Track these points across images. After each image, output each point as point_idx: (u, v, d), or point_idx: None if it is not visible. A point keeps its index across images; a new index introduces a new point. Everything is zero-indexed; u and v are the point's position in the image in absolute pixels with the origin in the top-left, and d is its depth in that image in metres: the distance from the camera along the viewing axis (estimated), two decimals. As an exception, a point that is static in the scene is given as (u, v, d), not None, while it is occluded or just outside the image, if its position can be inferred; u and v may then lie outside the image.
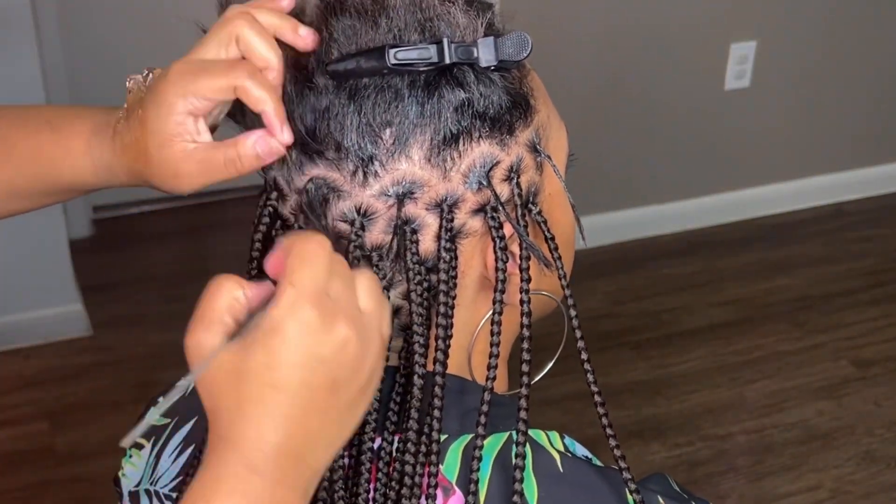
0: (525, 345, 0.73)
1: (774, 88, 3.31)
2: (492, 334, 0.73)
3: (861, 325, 2.95)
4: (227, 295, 0.62)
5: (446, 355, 0.71)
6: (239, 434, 0.61)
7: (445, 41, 0.69)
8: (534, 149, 0.74)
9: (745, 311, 3.01)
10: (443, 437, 0.72)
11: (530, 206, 0.74)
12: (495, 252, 0.72)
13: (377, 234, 0.71)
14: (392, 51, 0.68)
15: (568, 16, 2.98)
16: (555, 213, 0.77)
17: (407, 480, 0.71)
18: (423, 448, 0.71)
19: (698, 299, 3.06)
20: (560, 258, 0.75)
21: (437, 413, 0.71)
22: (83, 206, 3.20)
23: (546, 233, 0.75)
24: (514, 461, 0.72)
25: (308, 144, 0.70)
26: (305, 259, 0.62)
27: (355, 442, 0.72)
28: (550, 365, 0.79)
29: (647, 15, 3.07)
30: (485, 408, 0.71)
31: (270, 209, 0.75)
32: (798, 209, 3.51)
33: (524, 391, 0.72)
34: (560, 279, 0.75)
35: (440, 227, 0.71)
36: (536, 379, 0.74)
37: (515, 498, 0.70)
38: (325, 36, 0.70)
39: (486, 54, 0.70)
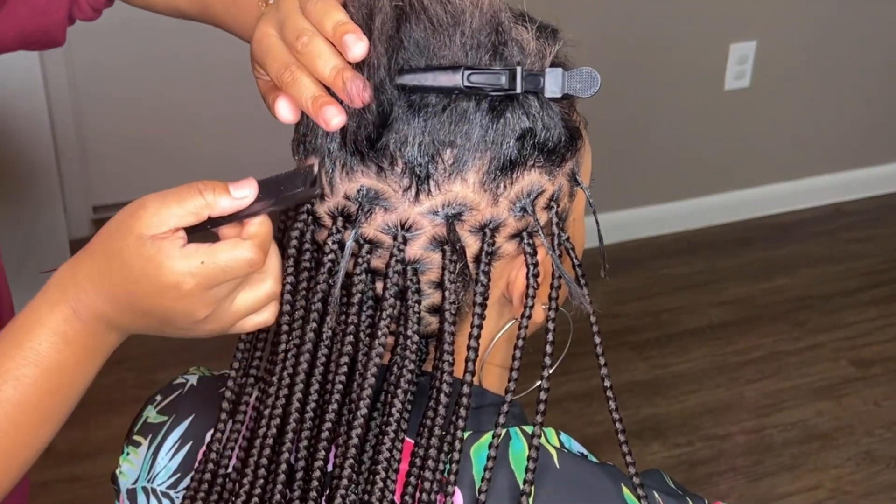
0: (546, 373, 0.74)
1: (774, 88, 3.30)
2: (513, 359, 0.73)
3: (861, 325, 2.95)
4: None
5: (473, 373, 0.72)
6: (73, 282, 0.70)
7: (519, 70, 0.68)
8: (573, 178, 0.75)
9: (745, 311, 3.00)
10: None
11: (560, 232, 0.75)
12: (528, 278, 0.73)
13: (416, 249, 0.71)
14: (467, 73, 0.67)
15: (567, 15, 2.97)
16: (574, 235, 0.78)
17: (426, 485, 0.71)
18: (443, 456, 0.71)
19: (698, 299, 3.06)
20: (587, 284, 0.76)
21: (459, 433, 0.71)
22: (83, 206, 3.19)
23: (574, 259, 0.76)
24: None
25: (365, 152, 0.69)
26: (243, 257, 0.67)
27: (367, 449, 0.72)
28: (552, 370, 0.79)
29: (647, 15, 3.07)
30: (501, 419, 0.72)
31: (309, 206, 0.73)
32: (798, 209, 3.51)
33: (540, 418, 0.73)
34: (588, 306, 0.76)
35: (481, 250, 0.72)
36: (544, 381, 0.74)
37: (523, 499, 0.71)
38: (396, 43, 0.68)
39: (552, 85, 0.69)
